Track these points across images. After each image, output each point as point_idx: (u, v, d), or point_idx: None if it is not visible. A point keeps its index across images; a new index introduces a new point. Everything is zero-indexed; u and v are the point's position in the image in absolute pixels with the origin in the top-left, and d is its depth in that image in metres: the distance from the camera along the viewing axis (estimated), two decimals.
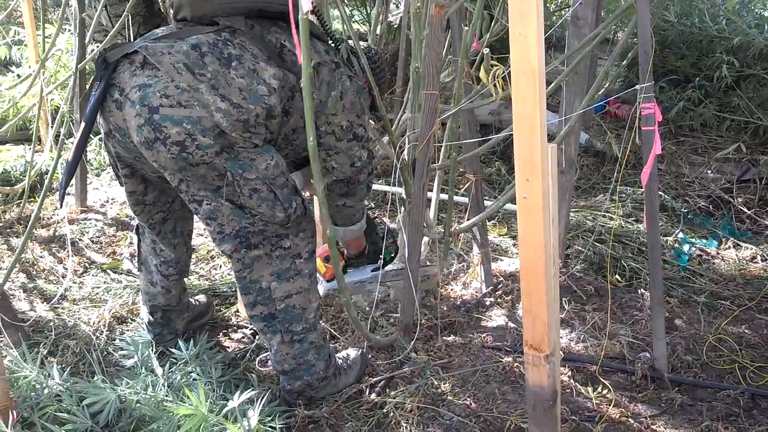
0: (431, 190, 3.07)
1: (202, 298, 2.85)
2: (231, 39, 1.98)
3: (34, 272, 3.21)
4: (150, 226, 2.40)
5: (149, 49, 1.89)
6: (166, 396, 2.14)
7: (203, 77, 1.88)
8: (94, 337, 2.66)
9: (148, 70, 1.90)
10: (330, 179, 2.22)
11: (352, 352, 2.48)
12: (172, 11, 2.13)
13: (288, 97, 2.04)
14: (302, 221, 2.16)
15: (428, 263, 2.89)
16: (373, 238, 2.70)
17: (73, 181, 3.92)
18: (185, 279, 2.62)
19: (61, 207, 3.30)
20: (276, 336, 2.21)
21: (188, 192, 2.01)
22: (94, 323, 2.78)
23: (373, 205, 3.94)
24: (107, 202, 4.00)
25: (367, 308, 2.87)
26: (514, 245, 3.42)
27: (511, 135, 1.56)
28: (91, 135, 2.11)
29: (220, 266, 3.25)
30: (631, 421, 2.22)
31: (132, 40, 2.76)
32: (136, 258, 2.55)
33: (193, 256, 3.22)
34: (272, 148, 2.04)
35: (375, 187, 3.74)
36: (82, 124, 2.01)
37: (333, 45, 2.20)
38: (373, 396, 2.34)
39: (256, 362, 2.52)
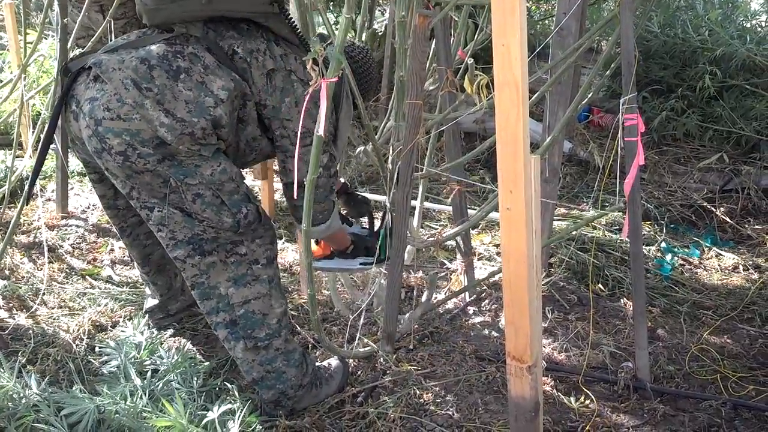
0: (415, 199, 3.07)
1: None
2: (182, 50, 2.02)
3: (14, 279, 3.16)
4: (121, 230, 2.48)
5: (102, 66, 1.98)
6: (146, 406, 2.11)
7: (149, 92, 1.94)
8: (73, 345, 2.63)
9: (99, 84, 1.99)
10: (288, 180, 2.22)
11: (334, 362, 2.46)
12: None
13: (240, 105, 2.08)
14: (257, 228, 2.15)
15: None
16: (362, 238, 2.67)
17: (53, 186, 3.89)
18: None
19: (27, 204, 3.31)
20: (239, 343, 2.20)
21: (139, 199, 2.05)
22: (73, 331, 2.74)
23: None
24: (88, 208, 3.95)
25: (350, 316, 2.86)
26: (497, 253, 3.42)
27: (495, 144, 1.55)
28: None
29: None
30: (614, 431, 2.22)
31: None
32: None
33: None
34: (222, 155, 2.06)
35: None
36: (46, 125, 2.14)
37: (302, 47, 2.20)
38: (355, 406, 2.33)
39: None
